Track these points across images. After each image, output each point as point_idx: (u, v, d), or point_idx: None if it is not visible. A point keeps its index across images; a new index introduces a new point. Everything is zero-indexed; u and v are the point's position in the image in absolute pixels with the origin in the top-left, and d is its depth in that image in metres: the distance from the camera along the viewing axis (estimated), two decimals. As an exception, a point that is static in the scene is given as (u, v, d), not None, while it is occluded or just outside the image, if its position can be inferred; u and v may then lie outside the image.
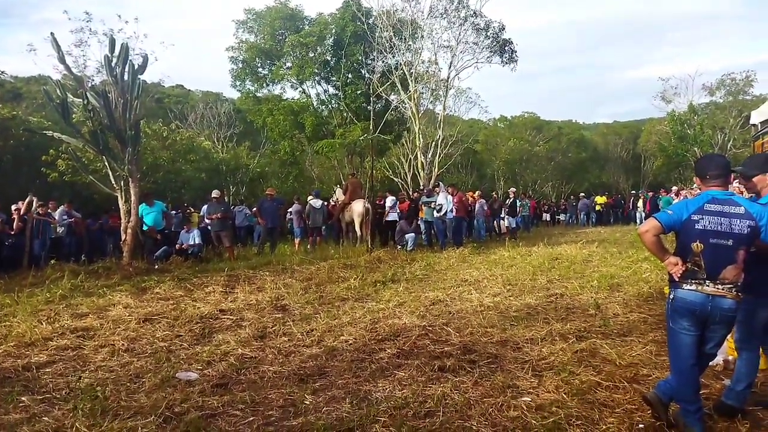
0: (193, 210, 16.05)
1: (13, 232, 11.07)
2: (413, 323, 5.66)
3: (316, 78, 25.01)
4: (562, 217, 28.80)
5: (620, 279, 7.84)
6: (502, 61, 23.14)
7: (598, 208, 27.44)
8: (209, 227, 12.81)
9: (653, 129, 40.86)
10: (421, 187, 19.02)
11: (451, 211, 13.04)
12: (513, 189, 21.75)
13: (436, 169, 22.40)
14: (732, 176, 3.46)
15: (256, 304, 6.85)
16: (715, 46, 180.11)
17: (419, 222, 13.44)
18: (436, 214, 13.00)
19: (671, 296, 3.11)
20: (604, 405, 3.48)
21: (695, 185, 3.77)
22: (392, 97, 23.94)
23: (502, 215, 17.58)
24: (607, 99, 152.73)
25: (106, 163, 10.35)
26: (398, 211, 13.67)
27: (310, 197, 14.63)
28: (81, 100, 10.12)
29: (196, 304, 6.81)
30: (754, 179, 3.37)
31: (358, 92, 23.84)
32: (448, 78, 22.82)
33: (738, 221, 2.93)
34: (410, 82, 21.60)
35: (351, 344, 5.02)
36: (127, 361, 4.69)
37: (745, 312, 3.17)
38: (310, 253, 12.19)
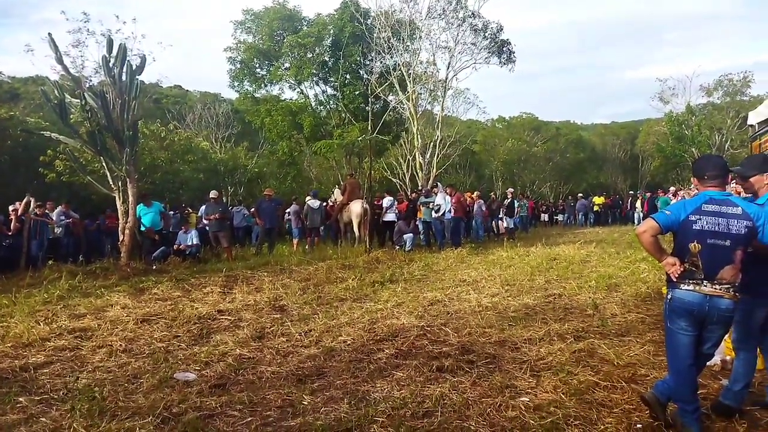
0: (191, 210, 16.00)
1: (10, 233, 11.05)
2: (411, 323, 5.66)
3: (315, 78, 25.02)
4: (560, 217, 28.82)
5: (618, 279, 7.85)
6: (500, 62, 23.19)
7: (596, 208, 27.48)
8: (207, 228, 12.80)
9: (651, 130, 40.89)
10: (420, 188, 19.04)
11: (450, 211, 13.05)
12: (511, 189, 21.76)
13: (435, 170, 22.42)
14: (730, 177, 3.47)
15: (254, 305, 6.85)
16: (715, 46, 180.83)
17: (417, 222, 13.45)
18: (434, 214, 13.01)
19: (669, 296, 3.11)
20: (602, 405, 3.48)
21: (693, 186, 3.77)
22: (390, 97, 23.96)
23: (500, 215, 17.59)
24: (606, 99, 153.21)
25: (104, 164, 10.34)
26: (396, 211, 13.67)
27: (308, 198, 14.63)
28: (79, 100, 10.11)
29: (194, 305, 6.81)
30: (752, 179, 3.37)
31: (357, 93, 23.84)
32: (447, 78, 22.87)
33: (735, 222, 2.94)
34: (408, 83, 21.62)
35: (349, 345, 5.03)
36: (124, 362, 4.69)
37: (743, 312, 3.17)
38: (308, 253, 12.19)
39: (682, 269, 2.97)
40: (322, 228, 14.93)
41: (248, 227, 16.66)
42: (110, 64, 10.14)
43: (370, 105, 18.58)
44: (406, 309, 6.40)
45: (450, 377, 4.06)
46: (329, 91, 25.78)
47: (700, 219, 2.96)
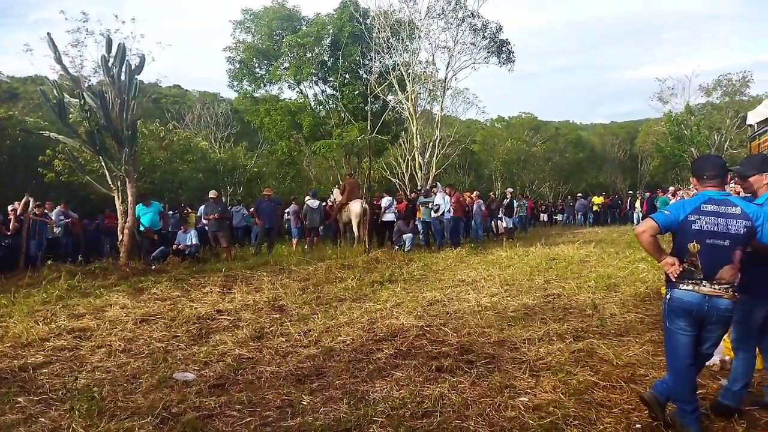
0: (190, 210, 16.00)
1: (9, 233, 11.03)
2: (411, 323, 5.66)
3: (314, 78, 25.04)
4: (559, 217, 28.81)
5: (617, 279, 7.85)
6: (499, 62, 23.20)
7: (595, 208, 27.50)
8: (206, 227, 12.79)
9: (650, 129, 40.89)
10: (419, 188, 19.03)
11: (449, 211, 13.05)
12: (510, 189, 21.77)
13: (434, 170, 22.40)
14: (729, 176, 3.47)
15: (253, 305, 6.84)
16: (715, 46, 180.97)
17: (417, 222, 13.45)
18: (433, 214, 13.01)
19: (668, 296, 3.11)
20: (601, 405, 3.48)
21: (692, 186, 3.77)
22: (390, 97, 23.97)
23: (499, 215, 17.60)
24: (605, 99, 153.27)
25: (103, 164, 10.33)
26: (395, 211, 13.67)
27: (307, 197, 14.63)
28: (78, 100, 10.09)
29: (193, 305, 6.80)
30: (751, 179, 3.38)
31: (356, 93, 23.85)
32: (446, 78, 22.84)
33: (734, 222, 2.94)
34: (408, 83, 21.61)
35: (348, 345, 5.02)
36: (124, 362, 4.68)
37: (742, 312, 3.17)
38: (307, 253, 12.19)
39: (681, 269, 2.97)
40: (321, 228, 14.92)
41: (247, 227, 16.66)
42: (109, 64, 10.13)
43: (369, 105, 18.60)
44: (406, 309, 6.40)
45: (449, 377, 4.06)
46: (328, 90, 25.81)
47: (699, 219, 2.96)
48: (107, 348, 5.06)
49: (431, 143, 22.56)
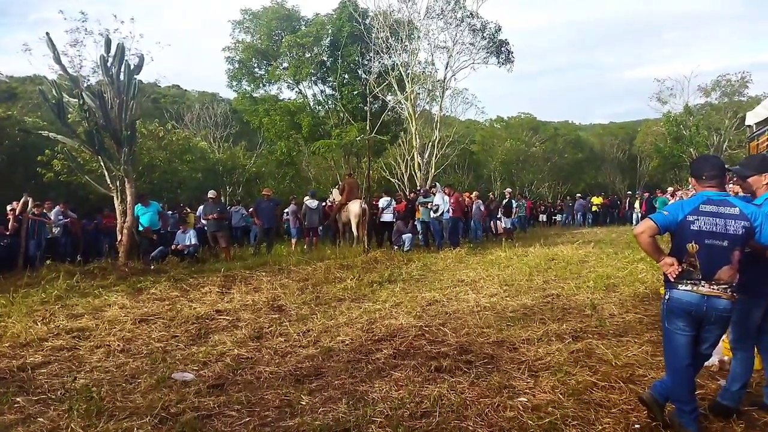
0: (189, 210, 15.99)
1: (8, 233, 11.01)
2: (410, 324, 5.66)
3: (313, 78, 25.05)
4: (558, 217, 28.83)
5: (616, 279, 7.86)
6: (498, 62, 23.23)
7: (594, 208, 27.51)
8: (205, 227, 12.78)
9: (649, 130, 40.98)
10: (418, 188, 19.04)
11: (448, 211, 13.05)
12: (509, 189, 21.78)
13: (433, 170, 22.43)
14: (728, 176, 3.47)
15: (252, 305, 6.84)
16: (715, 45, 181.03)
17: (416, 222, 13.45)
18: (432, 214, 13.01)
19: (667, 297, 3.12)
20: (600, 405, 3.48)
21: (691, 186, 3.78)
22: (389, 97, 23.99)
23: (498, 215, 17.60)
24: (605, 99, 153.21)
25: (102, 164, 10.32)
26: (393, 211, 13.66)
27: (306, 197, 14.63)
28: (77, 100, 10.09)
29: (192, 305, 6.80)
30: (750, 180, 3.38)
31: (355, 93, 23.86)
32: (445, 79, 22.90)
33: (733, 222, 2.94)
34: (407, 83, 21.63)
35: (347, 345, 5.02)
36: (122, 362, 4.68)
37: (740, 312, 3.18)
38: (306, 253, 12.18)
39: (679, 269, 2.97)
40: (320, 228, 14.92)
41: (246, 227, 16.66)
42: (108, 64, 10.13)
43: (368, 105, 18.58)
44: (405, 309, 6.39)
45: (448, 377, 4.06)
46: (327, 90, 25.82)
47: (698, 219, 2.96)
48: (106, 348, 5.06)
49: (430, 143, 22.59)
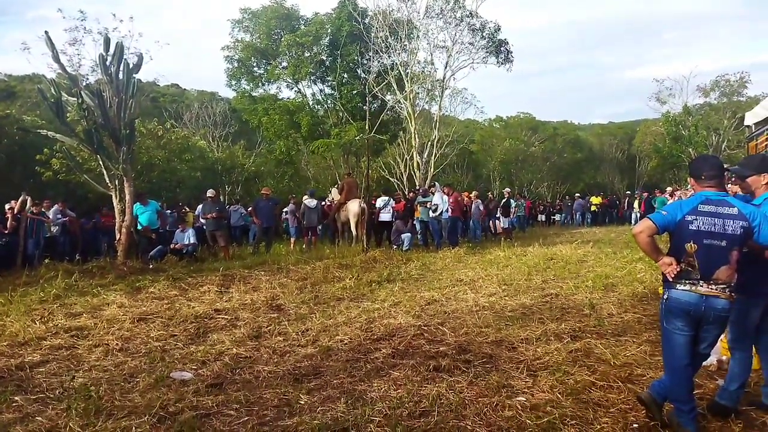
0: (188, 209, 15.98)
1: (6, 231, 10.99)
2: (408, 323, 5.66)
3: (312, 78, 25.03)
4: (557, 217, 28.85)
5: (615, 279, 7.86)
6: (497, 62, 23.24)
7: (593, 208, 27.53)
8: (204, 227, 12.77)
9: (648, 130, 41.01)
10: (417, 187, 19.04)
11: (447, 211, 13.06)
12: (507, 189, 21.79)
13: (432, 169, 22.44)
14: (727, 176, 3.48)
15: (251, 304, 6.84)
16: (715, 46, 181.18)
17: (415, 222, 13.45)
18: (431, 214, 13.01)
19: (665, 296, 3.12)
20: (598, 405, 3.49)
21: (689, 186, 3.78)
22: (388, 97, 23.98)
23: (497, 215, 17.61)
24: (603, 99, 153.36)
25: (101, 162, 10.31)
26: (391, 210, 13.67)
27: (305, 197, 14.63)
28: (75, 98, 10.07)
29: (190, 304, 6.80)
30: (749, 180, 3.39)
31: (354, 92, 23.85)
32: (444, 78, 22.91)
33: (731, 222, 2.94)
34: (406, 82, 21.62)
35: (346, 344, 5.02)
36: (121, 361, 4.67)
37: (738, 312, 3.18)
38: (305, 252, 12.18)
39: (678, 269, 2.98)
40: (319, 227, 14.92)
41: (245, 226, 16.64)
42: (107, 63, 10.11)
43: (367, 104, 18.61)
44: (403, 308, 6.40)
45: (447, 377, 4.06)
46: (327, 90, 25.82)
47: (697, 219, 2.97)
48: (104, 347, 5.06)
49: (429, 143, 22.59)
